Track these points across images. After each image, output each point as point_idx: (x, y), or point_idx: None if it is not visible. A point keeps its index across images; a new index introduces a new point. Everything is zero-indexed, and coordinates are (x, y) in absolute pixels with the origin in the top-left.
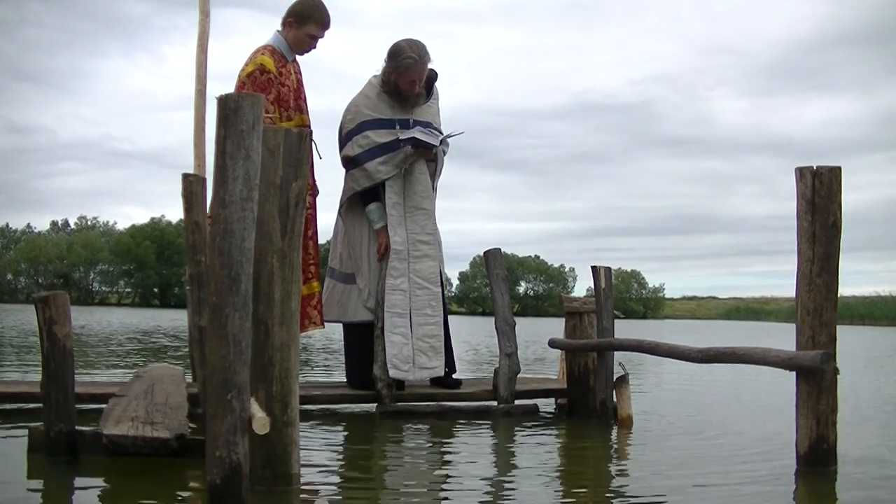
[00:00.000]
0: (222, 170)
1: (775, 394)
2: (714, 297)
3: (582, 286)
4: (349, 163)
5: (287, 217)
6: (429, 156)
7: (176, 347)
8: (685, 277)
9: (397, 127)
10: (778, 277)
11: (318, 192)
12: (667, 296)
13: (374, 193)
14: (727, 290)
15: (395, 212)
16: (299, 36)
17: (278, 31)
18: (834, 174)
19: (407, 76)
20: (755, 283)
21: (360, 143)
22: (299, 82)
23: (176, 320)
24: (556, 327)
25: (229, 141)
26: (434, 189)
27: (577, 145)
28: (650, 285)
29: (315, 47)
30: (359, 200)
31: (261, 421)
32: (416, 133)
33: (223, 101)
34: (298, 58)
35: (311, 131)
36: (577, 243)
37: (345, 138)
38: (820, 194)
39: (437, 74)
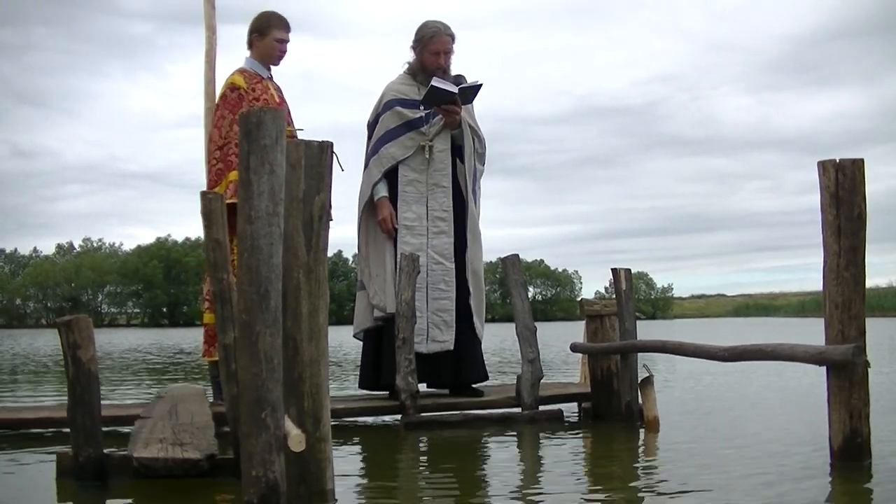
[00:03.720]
0: (247, 185)
1: (797, 388)
2: (723, 295)
3: (589, 289)
4: (371, 152)
5: (311, 231)
6: (453, 122)
7: (182, 364)
8: (693, 276)
9: (421, 107)
10: (786, 273)
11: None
12: (675, 295)
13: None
14: (735, 287)
15: (412, 188)
16: (267, 45)
17: (247, 57)
18: (857, 166)
19: (432, 46)
20: (763, 279)
21: (387, 122)
22: (281, 99)
23: (174, 340)
24: (565, 331)
25: (253, 156)
26: (473, 177)
27: (582, 149)
28: (658, 286)
29: (286, 51)
30: (370, 203)
31: (297, 438)
32: (435, 81)
33: (244, 117)
34: (282, 75)
35: (331, 143)
36: (583, 247)
37: (373, 122)
38: (843, 187)
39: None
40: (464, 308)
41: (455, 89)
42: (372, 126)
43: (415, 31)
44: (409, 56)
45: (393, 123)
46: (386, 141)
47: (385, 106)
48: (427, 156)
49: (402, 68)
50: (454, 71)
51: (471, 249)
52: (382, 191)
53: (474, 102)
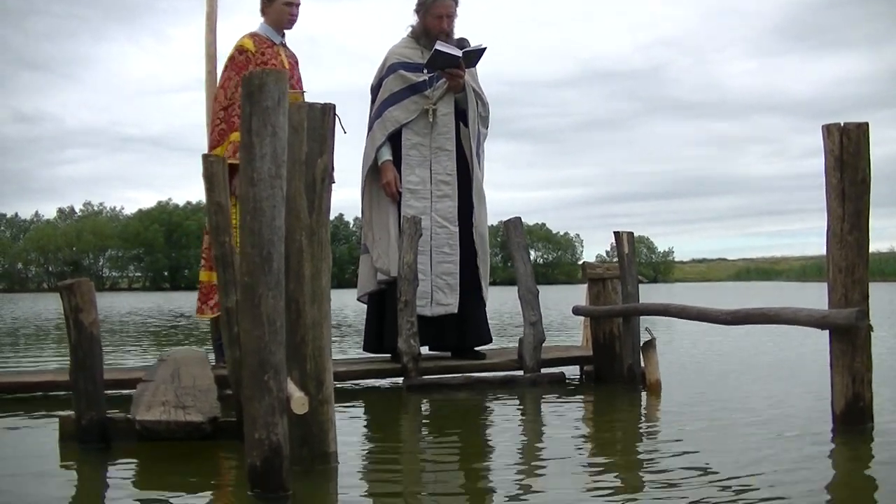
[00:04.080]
0: (249, 148)
1: (799, 351)
2: (724, 259)
3: (590, 252)
4: (375, 115)
5: (314, 193)
6: (457, 86)
7: (185, 328)
8: (695, 240)
9: (425, 71)
10: (787, 237)
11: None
12: (676, 259)
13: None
14: (737, 251)
15: (416, 152)
16: (276, 10)
17: (261, 23)
18: (861, 130)
19: (435, 10)
20: (765, 244)
21: (391, 85)
22: (291, 66)
23: (176, 304)
24: (566, 294)
25: (255, 118)
26: (477, 140)
27: (585, 112)
28: (659, 249)
29: (297, 14)
30: (374, 166)
31: (300, 401)
32: (439, 45)
33: (247, 79)
34: (296, 41)
35: (334, 105)
36: (585, 210)
37: (377, 86)
38: (848, 151)
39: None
40: (471, 271)
41: (459, 53)
42: (375, 90)
43: None
44: (413, 19)
45: (396, 87)
46: (390, 104)
47: (388, 69)
48: (431, 119)
49: (406, 32)
50: (457, 34)
51: (477, 212)
52: (386, 154)
53: (478, 66)
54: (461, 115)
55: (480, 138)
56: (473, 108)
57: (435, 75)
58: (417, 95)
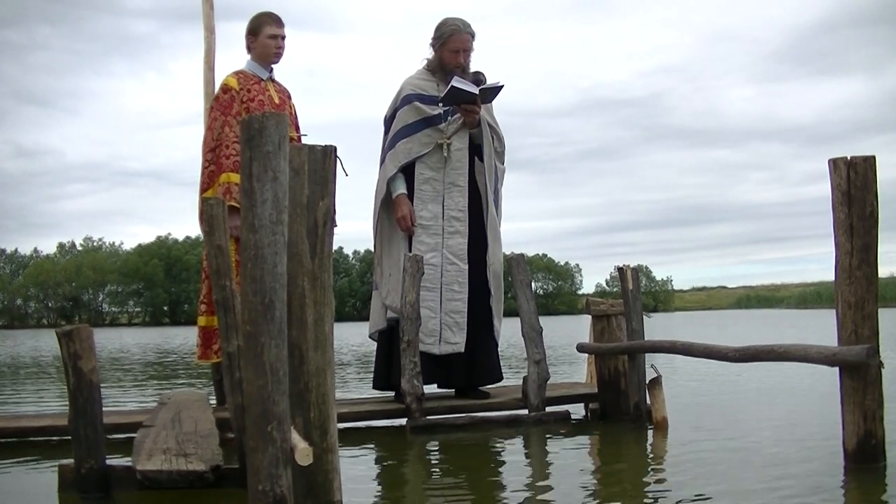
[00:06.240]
0: (249, 193)
1: (804, 384)
2: (724, 287)
3: (589, 282)
4: (388, 147)
5: (316, 237)
6: (473, 122)
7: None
8: (694, 268)
9: (440, 104)
10: (787, 264)
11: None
12: (676, 287)
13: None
14: (737, 279)
15: (429, 187)
16: (262, 44)
17: (247, 60)
18: (868, 164)
19: (451, 44)
20: (764, 271)
21: (405, 117)
22: (282, 100)
23: (167, 337)
24: (568, 326)
25: (255, 163)
26: (494, 176)
27: (585, 141)
28: (658, 278)
29: (283, 47)
30: (384, 204)
31: (304, 452)
32: (455, 82)
33: (247, 123)
34: (285, 73)
35: (335, 147)
36: (584, 240)
37: (390, 117)
38: (855, 185)
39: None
40: (484, 309)
41: (476, 90)
42: (389, 121)
43: (434, 28)
44: (428, 52)
45: (411, 119)
46: (403, 136)
47: (403, 100)
48: (444, 154)
49: (421, 64)
50: (472, 68)
51: (491, 250)
52: (401, 188)
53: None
54: (476, 151)
55: (498, 174)
56: (489, 143)
57: (450, 109)
58: (431, 129)
